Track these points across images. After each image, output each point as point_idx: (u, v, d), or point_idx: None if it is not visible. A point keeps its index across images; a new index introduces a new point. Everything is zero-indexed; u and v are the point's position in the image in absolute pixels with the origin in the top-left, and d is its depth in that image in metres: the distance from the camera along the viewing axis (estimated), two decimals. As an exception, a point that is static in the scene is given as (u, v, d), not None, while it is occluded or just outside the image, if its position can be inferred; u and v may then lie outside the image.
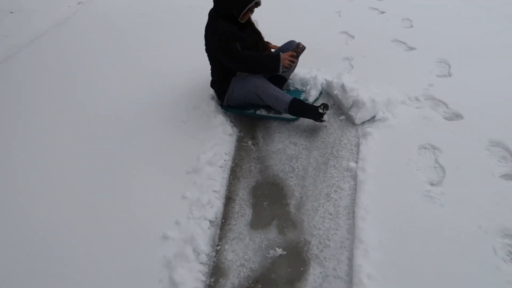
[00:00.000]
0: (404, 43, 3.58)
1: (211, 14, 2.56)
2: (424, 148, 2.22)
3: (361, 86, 2.66)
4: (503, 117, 2.36)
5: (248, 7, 2.41)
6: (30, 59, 4.51)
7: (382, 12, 4.41)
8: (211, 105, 2.86)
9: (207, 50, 2.64)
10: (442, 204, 1.83)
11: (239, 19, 2.46)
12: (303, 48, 2.61)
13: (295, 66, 2.90)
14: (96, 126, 2.85)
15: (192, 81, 3.25)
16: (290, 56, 2.51)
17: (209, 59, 2.70)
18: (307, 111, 2.49)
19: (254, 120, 2.77)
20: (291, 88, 3.03)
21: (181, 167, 2.33)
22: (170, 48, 4.15)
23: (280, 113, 2.68)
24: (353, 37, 3.85)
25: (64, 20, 5.98)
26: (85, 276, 1.75)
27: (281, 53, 2.54)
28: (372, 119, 2.51)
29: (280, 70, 2.51)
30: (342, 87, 2.64)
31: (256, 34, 2.70)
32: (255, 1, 2.42)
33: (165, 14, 5.34)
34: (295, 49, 2.59)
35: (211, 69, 2.78)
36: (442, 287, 1.51)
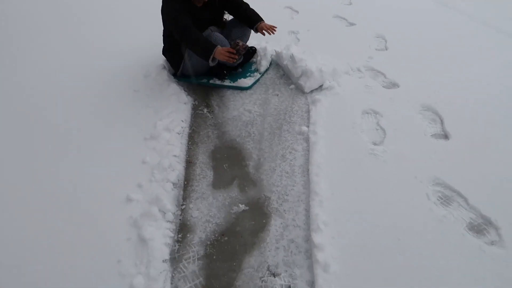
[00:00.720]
0: (345, 19, 3.80)
1: None
2: (367, 113, 2.45)
3: (309, 57, 2.82)
4: (433, 85, 2.66)
5: None
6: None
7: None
8: (163, 74, 2.87)
9: (162, 12, 2.61)
10: (385, 160, 2.06)
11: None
12: (245, 48, 2.59)
13: (246, 40, 2.99)
14: (47, 101, 2.73)
15: (141, 50, 3.21)
16: (227, 51, 2.41)
17: (163, 23, 2.68)
18: None
19: (207, 89, 2.83)
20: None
21: (139, 134, 2.34)
22: (117, 15, 4.03)
23: (232, 82, 2.78)
24: (297, 12, 4.01)
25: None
26: (53, 241, 1.74)
27: (218, 46, 2.44)
28: (320, 87, 2.69)
29: (211, 62, 2.46)
30: (292, 57, 2.79)
31: (213, 11, 2.71)
32: None
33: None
34: (233, 46, 2.56)
35: (163, 35, 2.76)
36: (384, 225, 1.73)
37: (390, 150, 2.13)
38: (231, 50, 2.43)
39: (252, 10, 2.82)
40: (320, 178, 1.96)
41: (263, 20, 2.78)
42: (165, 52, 2.84)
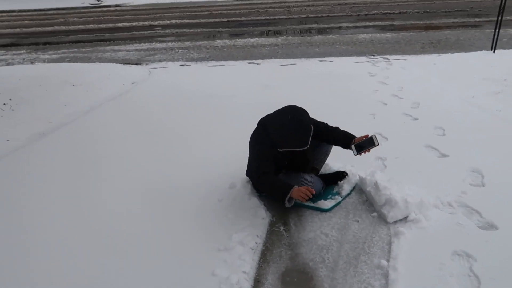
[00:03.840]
0: (437, 149, 3.70)
1: (262, 123, 2.73)
2: (458, 254, 2.20)
3: (394, 186, 2.74)
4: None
5: (284, 150, 2.57)
6: (79, 130, 4.91)
7: (415, 119, 4.62)
8: (247, 187, 2.99)
9: (249, 145, 2.80)
10: (478, 316, 1.78)
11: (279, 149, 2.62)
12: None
13: (325, 159, 3.05)
14: (134, 196, 3.01)
15: (229, 161, 3.44)
16: (306, 190, 2.46)
17: (249, 150, 2.85)
18: None
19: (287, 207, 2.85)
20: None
21: (214, 244, 2.39)
22: (210, 131, 4.46)
23: (312, 203, 2.78)
24: (386, 138, 4.03)
25: (116, 97, 6.56)
26: None
27: (296, 186, 2.51)
28: (405, 219, 2.55)
29: (287, 203, 2.54)
30: (375, 184, 2.73)
31: (300, 160, 2.83)
32: (292, 149, 2.54)
33: (208, 99, 5.79)
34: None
35: (248, 159, 2.93)
36: None
37: (485, 304, 1.84)
38: (310, 189, 2.46)
39: (345, 132, 2.88)
40: (398, 325, 1.74)
41: (355, 137, 2.81)
42: (248, 175, 2.97)
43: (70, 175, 3.54)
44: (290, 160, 2.82)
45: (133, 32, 13.68)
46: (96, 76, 8.01)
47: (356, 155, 2.72)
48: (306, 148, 2.52)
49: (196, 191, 3.06)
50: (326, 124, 2.95)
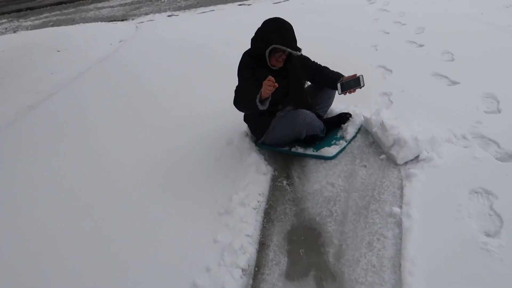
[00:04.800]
0: (446, 77, 3.41)
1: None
2: (476, 192, 2.03)
3: (402, 123, 2.51)
4: None
5: (266, 51, 2.36)
6: (68, 98, 4.70)
7: (421, 46, 4.28)
8: (245, 142, 2.80)
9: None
10: (502, 258, 1.63)
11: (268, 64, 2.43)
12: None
13: (330, 103, 2.84)
14: (130, 163, 2.86)
15: (225, 115, 3.23)
16: (267, 80, 2.11)
17: None
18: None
19: (289, 157, 2.68)
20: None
21: (213, 207, 2.25)
22: (203, 84, 4.21)
23: (315, 151, 2.59)
24: (390, 71, 3.74)
25: (105, 57, 6.24)
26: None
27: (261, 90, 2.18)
28: (416, 159, 2.35)
29: (260, 105, 2.20)
30: (382, 124, 2.51)
31: (290, 81, 2.56)
32: (271, 47, 2.33)
33: (199, 50, 5.48)
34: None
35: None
36: None
37: (509, 245, 1.68)
38: (270, 78, 2.10)
39: (334, 71, 2.68)
40: (415, 278, 1.61)
41: (343, 76, 2.58)
42: (246, 119, 2.79)
43: (62, 149, 3.38)
44: (285, 90, 2.59)
45: (116, -14, 12.91)
46: (81, 38, 7.63)
47: (340, 94, 2.49)
48: (297, 52, 2.35)
49: (192, 152, 2.89)
50: (315, 61, 2.73)
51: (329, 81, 2.63)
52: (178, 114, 3.61)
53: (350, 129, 2.75)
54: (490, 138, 2.43)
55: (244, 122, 2.82)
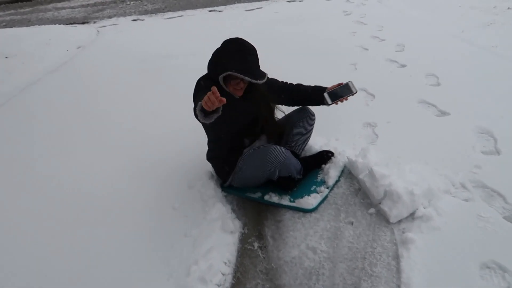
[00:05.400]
0: (434, 105, 3.09)
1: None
2: (488, 267, 1.67)
3: (394, 170, 2.16)
4: None
5: (220, 77, 1.98)
6: (13, 113, 4.12)
7: (403, 66, 3.98)
8: (209, 187, 2.37)
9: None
10: None
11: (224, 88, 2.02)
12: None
13: (308, 138, 2.44)
14: (60, 212, 2.36)
15: (188, 137, 2.80)
16: (210, 93, 1.58)
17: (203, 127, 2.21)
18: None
19: (261, 207, 2.26)
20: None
21: (167, 283, 1.80)
22: (167, 101, 3.76)
23: (292, 201, 2.19)
24: (373, 96, 3.39)
25: (59, 66, 5.66)
26: None
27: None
28: (411, 215, 1.99)
29: (200, 115, 1.71)
30: (370, 172, 2.14)
31: (256, 107, 2.17)
32: (225, 73, 1.94)
33: (165, 61, 5.02)
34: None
35: (207, 139, 2.32)
36: None
37: None
38: (213, 89, 1.56)
39: (311, 85, 2.31)
40: None
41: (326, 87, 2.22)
42: (209, 158, 2.35)
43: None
44: (251, 119, 2.18)
45: (78, -15, 12.18)
46: (34, 42, 6.98)
47: (330, 104, 2.12)
48: (258, 81, 1.92)
49: (144, 193, 2.44)
50: (285, 81, 2.36)
51: (311, 95, 2.26)
52: (135, 137, 3.16)
53: (332, 172, 2.36)
54: (493, 188, 2.10)
55: (207, 161, 2.39)
